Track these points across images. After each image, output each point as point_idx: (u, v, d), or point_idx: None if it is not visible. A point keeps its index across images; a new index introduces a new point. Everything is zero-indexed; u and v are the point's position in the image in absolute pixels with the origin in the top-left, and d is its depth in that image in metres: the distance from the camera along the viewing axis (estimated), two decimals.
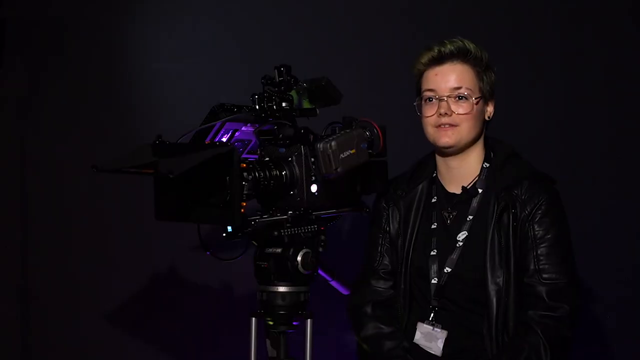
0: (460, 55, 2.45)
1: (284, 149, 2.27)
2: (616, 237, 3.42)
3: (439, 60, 2.45)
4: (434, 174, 2.57)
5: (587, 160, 3.45)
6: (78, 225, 3.62)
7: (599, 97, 3.46)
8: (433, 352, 2.47)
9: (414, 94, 2.53)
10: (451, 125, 2.43)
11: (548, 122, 3.48)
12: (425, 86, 2.48)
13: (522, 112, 3.45)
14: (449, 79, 2.44)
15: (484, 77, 2.47)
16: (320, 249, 2.32)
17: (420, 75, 2.50)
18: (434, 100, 2.45)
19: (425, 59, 2.47)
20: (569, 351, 2.40)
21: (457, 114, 2.43)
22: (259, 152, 2.33)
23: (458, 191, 2.51)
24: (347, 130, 2.28)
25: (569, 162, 3.43)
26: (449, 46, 2.45)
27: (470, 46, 2.45)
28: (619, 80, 3.45)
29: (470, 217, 2.47)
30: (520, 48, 3.48)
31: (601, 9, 3.47)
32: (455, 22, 3.49)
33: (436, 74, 2.46)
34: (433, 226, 2.52)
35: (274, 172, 2.22)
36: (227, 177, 2.07)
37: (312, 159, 2.26)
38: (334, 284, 2.74)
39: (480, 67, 2.46)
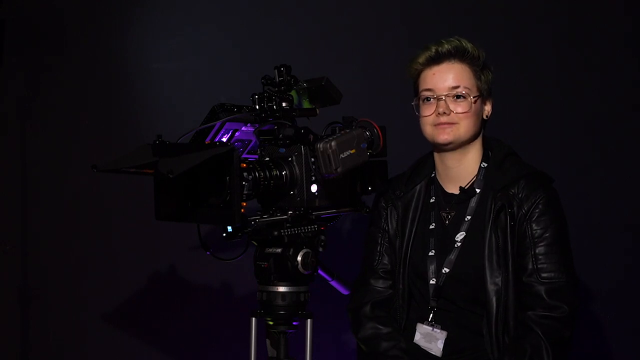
0: (458, 55, 2.45)
1: (284, 149, 2.27)
2: (615, 237, 3.42)
3: (437, 59, 2.45)
4: (433, 174, 2.57)
5: (585, 159, 3.45)
6: (78, 225, 3.62)
7: (598, 96, 3.46)
8: (433, 353, 2.47)
9: (414, 94, 2.53)
10: (449, 123, 2.43)
11: (546, 121, 3.48)
12: (423, 86, 2.47)
13: (520, 112, 3.44)
14: (446, 78, 2.44)
15: (482, 76, 2.47)
16: (320, 249, 2.32)
17: (417, 75, 2.50)
18: (432, 99, 2.45)
19: (422, 58, 2.46)
20: (569, 351, 2.40)
21: (456, 112, 2.42)
22: (259, 152, 2.33)
23: (456, 191, 2.51)
24: (347, 130, 2.27)
25: (567, 161, 3.43)
26: (446, 45, 2.45)
27: (468, 45, 2.45)
28: (618, 79, 3.45)
29: (469, 217, 2.46)
30: (517, 47, 3.48)
31: (598, 8, 3.47)
32: (455, 21, 3.49)
33: (434, 74, 2.45)
34: (431, 226, 2.52)
35: (274, 172, 2.22)
36: (227, 177, 2.07)
37: (312, 159, 2.26)
38: (334, 284, 2.74)
39: (477, 66, 2.46)
